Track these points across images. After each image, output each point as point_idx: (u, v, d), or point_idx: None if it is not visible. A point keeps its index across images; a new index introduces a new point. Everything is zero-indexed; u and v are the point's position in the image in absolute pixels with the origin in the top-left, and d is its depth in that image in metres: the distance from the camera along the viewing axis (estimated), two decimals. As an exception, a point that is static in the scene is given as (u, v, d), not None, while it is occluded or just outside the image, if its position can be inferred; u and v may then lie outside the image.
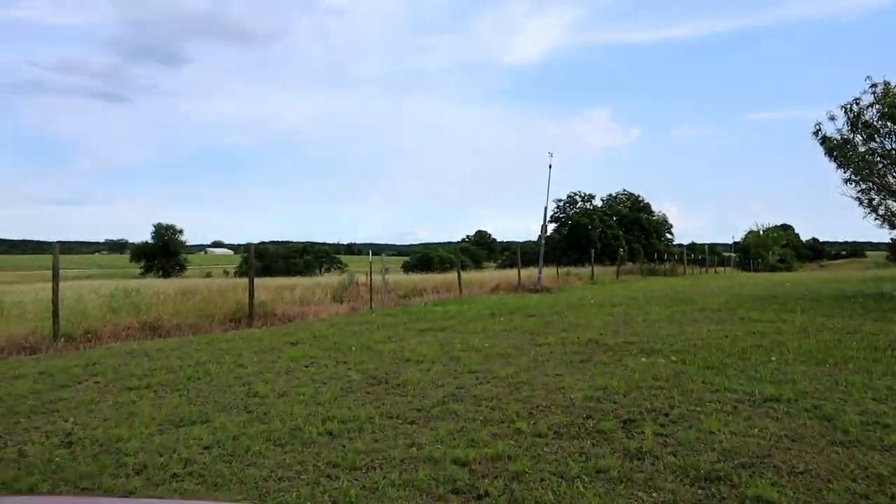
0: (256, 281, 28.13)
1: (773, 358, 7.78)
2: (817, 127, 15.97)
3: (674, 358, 8.04)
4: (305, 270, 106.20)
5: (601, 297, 19.26)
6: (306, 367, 8.96)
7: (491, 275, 30.76)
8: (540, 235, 26.13)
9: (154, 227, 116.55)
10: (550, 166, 25.78)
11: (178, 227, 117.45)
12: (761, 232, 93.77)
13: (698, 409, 5.65)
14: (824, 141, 15.86)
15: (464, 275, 34.97)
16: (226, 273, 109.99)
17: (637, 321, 12.27)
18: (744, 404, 5.72)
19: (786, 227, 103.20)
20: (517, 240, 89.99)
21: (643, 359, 8.00)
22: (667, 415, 5.52)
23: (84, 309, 14.36)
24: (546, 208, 25.48)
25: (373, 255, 18.52)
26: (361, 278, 21.34)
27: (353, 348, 10.32)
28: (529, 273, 27.37)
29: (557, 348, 9.50)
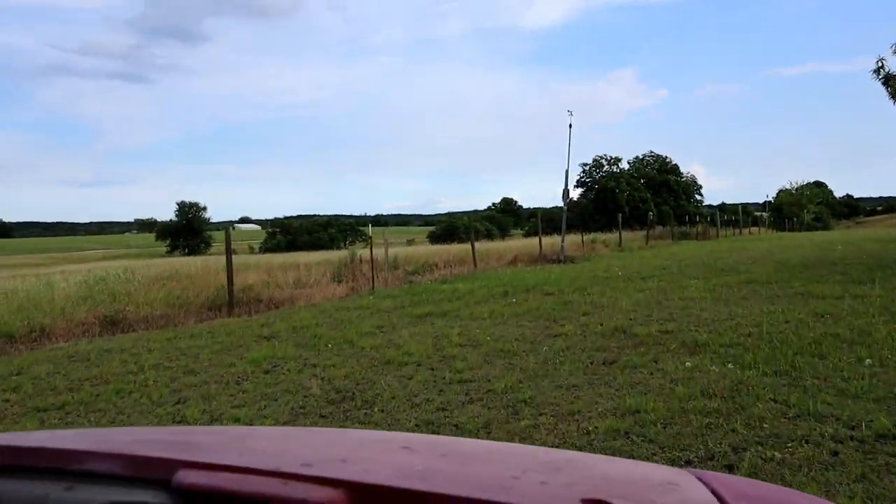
0: (259, 259, 26.52)
1: (864, 356, 5.82)
2: (879, 63, 13.66)
3: (727, 358, 6.14)
4: (330, 244, 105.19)
5: (630, 268, 17.30)
6: (265, 373, 7.28)
7: (510, 245, 28.82)
8: (565, 202, 24.08)
9: (178, 205, 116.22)
10: (571, 126, 23.70)
11: (202, 204, 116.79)
12: (794, 190, 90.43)
13: (777, 454, 3.78)
14: (888, 80, 13.56)
15: (482, 245, 33.14)
16: (251, 249, 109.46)
17: (673, 300, 10.34)
18: (848, 449, 3.79)
19: (819, 185, 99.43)
20: (544, 206, 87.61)
21: (686, 361, 6.09)
22: (731, 468, 3.66)
23: (49, 299, 12.78)
24: (567, 172, 23.40)
25: (373, 228, 16.72)
26: (368, 254, 19.57)
27: (331, 344, 8.61)
28: (553, 241, 25.42)
29: (576, 340, 7.65)
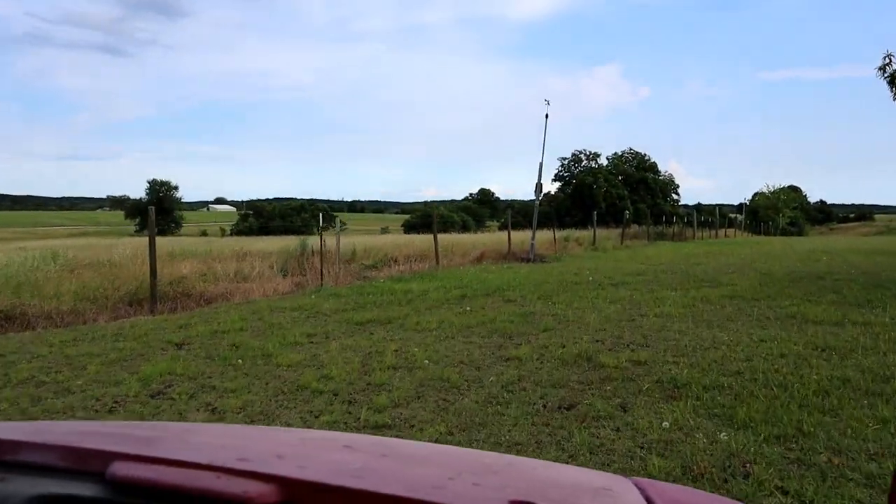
0: (214, 244, 24.88)
1: (888, 416, 4.54)
2: (886, 59, 12.43)
3: (713, 409, 4.84)
4: (304, 229, 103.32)
5: (602, 272, 16.06)
6: (151, 397, 5.91)
7: (479, 239, 27.46)
8: (537, 197, 22.78)
9: (148, 183, 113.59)
10: (547, 116, 22.34)
11: (174, 183, 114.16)
12: (770, 193, 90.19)
13: None
14: (894, 79, 12.34)
15: (452, 238, 31.79)
16: (222, 231, 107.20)
17: (648, 316, 9.06)
18: None
19: (794, 189, 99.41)
20: (522, 198, 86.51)
21: (663, 414, 4.77)
22: None
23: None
24: (541, 165, 22.03)
25: (323, 217, 15.29)
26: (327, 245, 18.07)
27: (245, 358, 7.25)
28: (524, 238, 24.12)
29: (531, 368, 6.34)
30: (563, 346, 7.24)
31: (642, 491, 0.88)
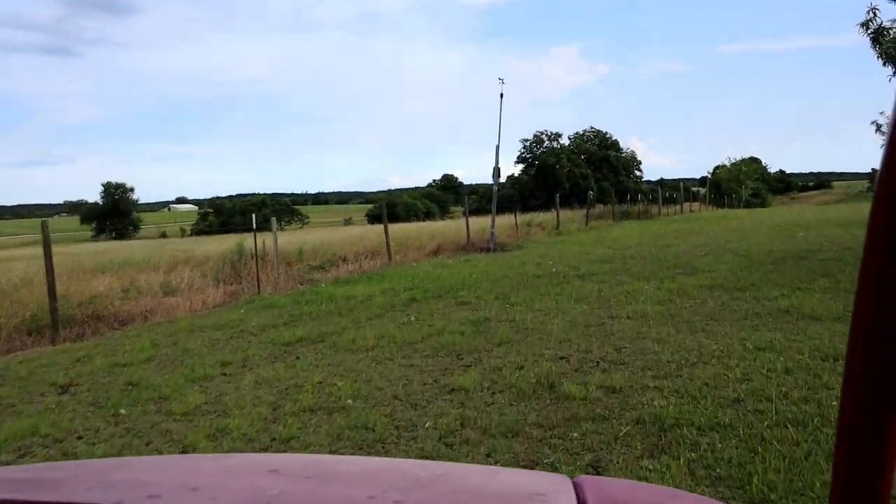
0: (154, 250, 23.18)
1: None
2: (870, 13, 11.11)
3: (714, 470, 3.56)
4: (265, 225, 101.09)
5: (567, 260, 14.83)
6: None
7: (437, 228, 26.09)
8: (495, 181, 21.49)
9: (103, 186, 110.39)
10: (502, 95, 21.01)
11: (129, 185, 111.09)
12: (731, 166, 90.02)
13: None
14: (878, 36, 11.06)
15: (408, 228, 30.46)
16: (182, 231, 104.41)
17: (620, 318, 7.78)
18: None
19: (755, 160, 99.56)
20: (488, 182, 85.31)
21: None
22: None
23: None
24: (497, 148, 20.69)
25: (256, 217, 13.80)
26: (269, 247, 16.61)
27: (132, 407, 5.88)
28: (486, 224, 22.75)
29: (478, 406, 5.04)
30: (521, 368, 5.94)
31: (579, 490, 0.85)
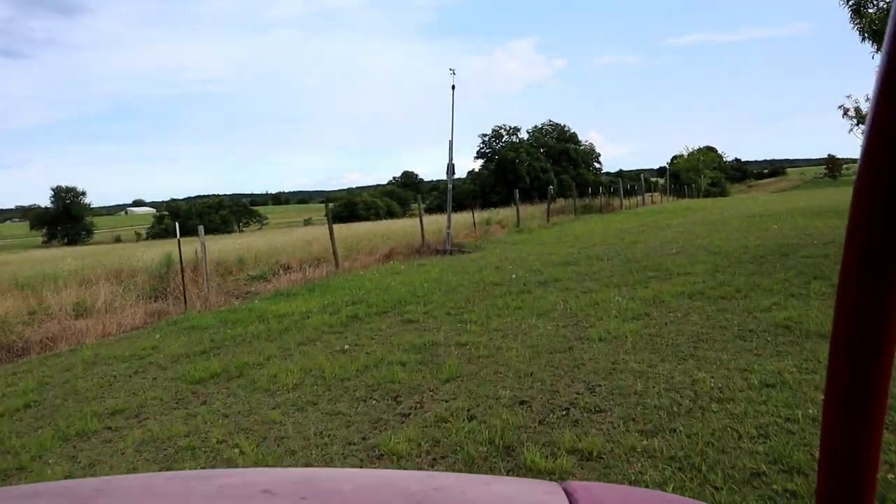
0: (106, 253, 21.46)
1: None
2: None
3: None
4: (223, 227, 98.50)
5: (527, 262, 13.65)
6: None
7: (392, 229, 24.75)
8: (449, 178, 20.21)
9: (53, 190, 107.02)
10: (454, 87, 19.68)
11: (80, 188, 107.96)
12: (688, 156, 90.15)
13: None
14: (858, 9, 9.95)
15: (361, 229, 29.10)
16: (137, 236, 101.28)
17: (590, 341, 6.58)
18: None
19: (711, 149, 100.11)
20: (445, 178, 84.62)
21: None
22: None
23: None
24: (451, 143, 19.39)
25: (180, 229, 12.33)
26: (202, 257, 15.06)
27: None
28: (443, 224, 21.40)
29: None
30: (472, 419, 4.69)
31: (571, 497, 0.86)
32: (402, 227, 26.50)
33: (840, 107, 19.66)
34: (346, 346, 7.37)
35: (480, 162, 72.96)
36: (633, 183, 57.77)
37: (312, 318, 9.36)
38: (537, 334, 7.01)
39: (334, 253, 15.59)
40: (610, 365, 5.61)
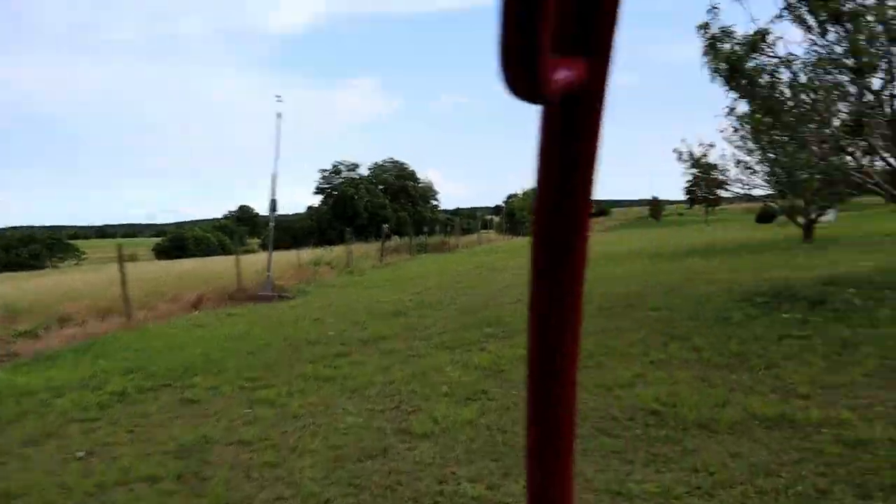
0: None
1: None
2: (712, 16, 9.19)
3: None
4: (31, 264, 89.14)
5: (351, 313, 12.02)
6: None
7: (211, 269, 22.25)
8: (271, 216, 18.27)
9: None
10: (279, 115, 17.89)
11: None
12: (522, 195, 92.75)
13: None
14: (713, 45, 9.04)
15: (182, 265, 26.35)
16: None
17: (412, 437, 5.00)
18: None
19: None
20: (288, 212, 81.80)
21: None
22: None
23: None
24: (274, 176, 17.51)
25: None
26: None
27: None
28: (275, 261, 19.15)
29: None
30: None
31: None
32: (223, 267, 23.98)
33: (675, 150, 20.10)
34: (84, 452, 5.37)
35: (319, 198, 71.42)
36: (469, 220, 57.93)
37: (64, 398, 7.19)
38: (345, 427, 5.38)
39: (126, 303, 13.17)
40: (436, 483, 4.09)
